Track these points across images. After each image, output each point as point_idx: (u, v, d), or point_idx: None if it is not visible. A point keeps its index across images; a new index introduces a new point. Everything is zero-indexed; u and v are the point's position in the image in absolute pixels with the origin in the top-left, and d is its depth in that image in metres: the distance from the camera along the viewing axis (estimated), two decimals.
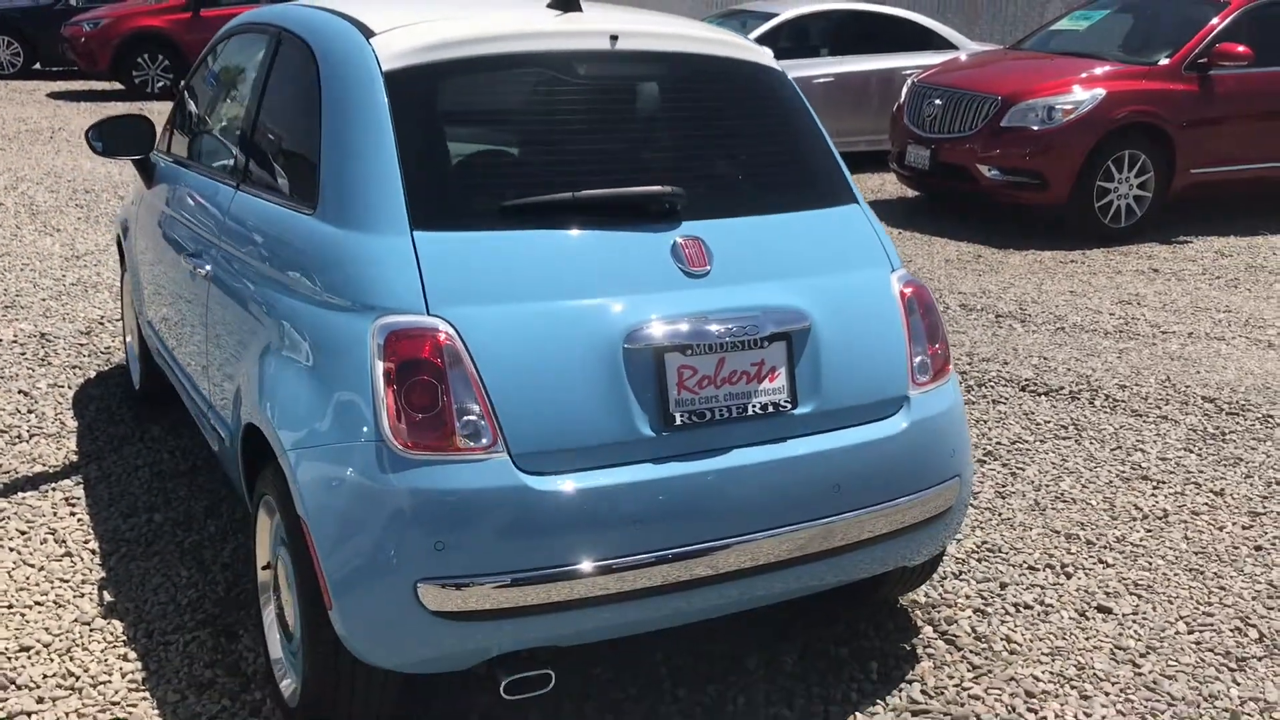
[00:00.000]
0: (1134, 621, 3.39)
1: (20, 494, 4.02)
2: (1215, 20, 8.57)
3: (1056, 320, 6.43)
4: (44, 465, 4.26)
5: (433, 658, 2.48)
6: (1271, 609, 3.48)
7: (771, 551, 2.64)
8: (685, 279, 2.67)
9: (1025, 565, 3.70)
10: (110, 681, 3.00)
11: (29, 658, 3.09)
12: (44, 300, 6.22)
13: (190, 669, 3.05)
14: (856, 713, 2.93)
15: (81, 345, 5.52)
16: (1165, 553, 3.81)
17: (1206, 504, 4.18)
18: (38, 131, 12.21)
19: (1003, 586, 3.56)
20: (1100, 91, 8.26)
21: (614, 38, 2.94)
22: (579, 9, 3.04)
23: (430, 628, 2.41)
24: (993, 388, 5.31)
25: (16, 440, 4.46)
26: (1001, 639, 3.28)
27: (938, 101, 8.81)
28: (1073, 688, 3.07)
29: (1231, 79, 8.50)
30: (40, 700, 2.92)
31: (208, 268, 3.31)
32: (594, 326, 2.53)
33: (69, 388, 4.99)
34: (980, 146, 8.44)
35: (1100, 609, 3.45)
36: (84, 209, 8.57)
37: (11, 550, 3.63)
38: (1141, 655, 3.22)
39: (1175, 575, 3.67)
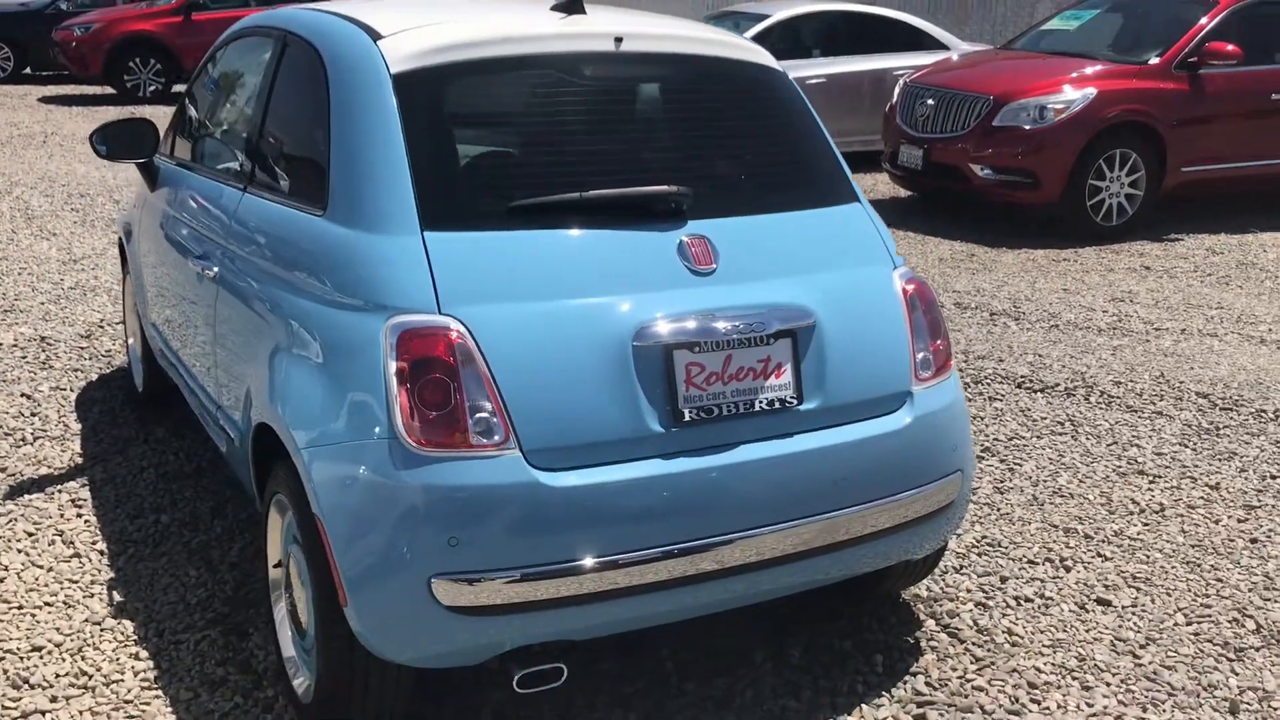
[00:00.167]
0: (1133, 614, 3.44)
1: (26, 496, 4.04)
2: (1204, 20, 8.64)
3: (1050, 318, 6.48)
4: (49, 467, 4.28)
5: (447, 652, 2.52)
6: (1268, 600, 3.53)
7: (778, 546, 2.67)
8: (692, 277, 2.70)
9: (1025, 559, 3.74)
10: (122, 680, 3.02)
11: (41, 657, 3.11)
12: (43, 304, 6.24)
13: (202, 667, 3.08)
14: (863, 705, 2.97)
15: (82, 349, 5.54)
16: (1163, 546, 3.86)
17: (1202, 498, 4.23)
18: (30, 136, 12.21)
19: (1003, 580, 3.61)
20: (1091, 91, 8.32)
21: (618, 39, 2.98)
22: (583, 11, 3.07)
23: (444, 623, 2.44)
24: (989, 385, 5.36)
25: (21, 443, 4.48)
26: (1003, 631, 3.32)
27: (930, 102, 8.86)
28: (1074, 678, 3.11)
29: (1221, 78, 8.57)
30: (54, 699, 2.94)
31: (215, 269, 3.34)
32: (603, 324, 2.57)
33: (71, 391, 5.01)
34: (973, 146, 8.49)
35: (1100, 601, 3.50)
36: (80, 213, 8.57)
37: (20, 552, 3.66)
38: (1141, 646, 3.27)
39: (1173, 568, 3.71)
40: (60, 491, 4.08)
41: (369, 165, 2.69)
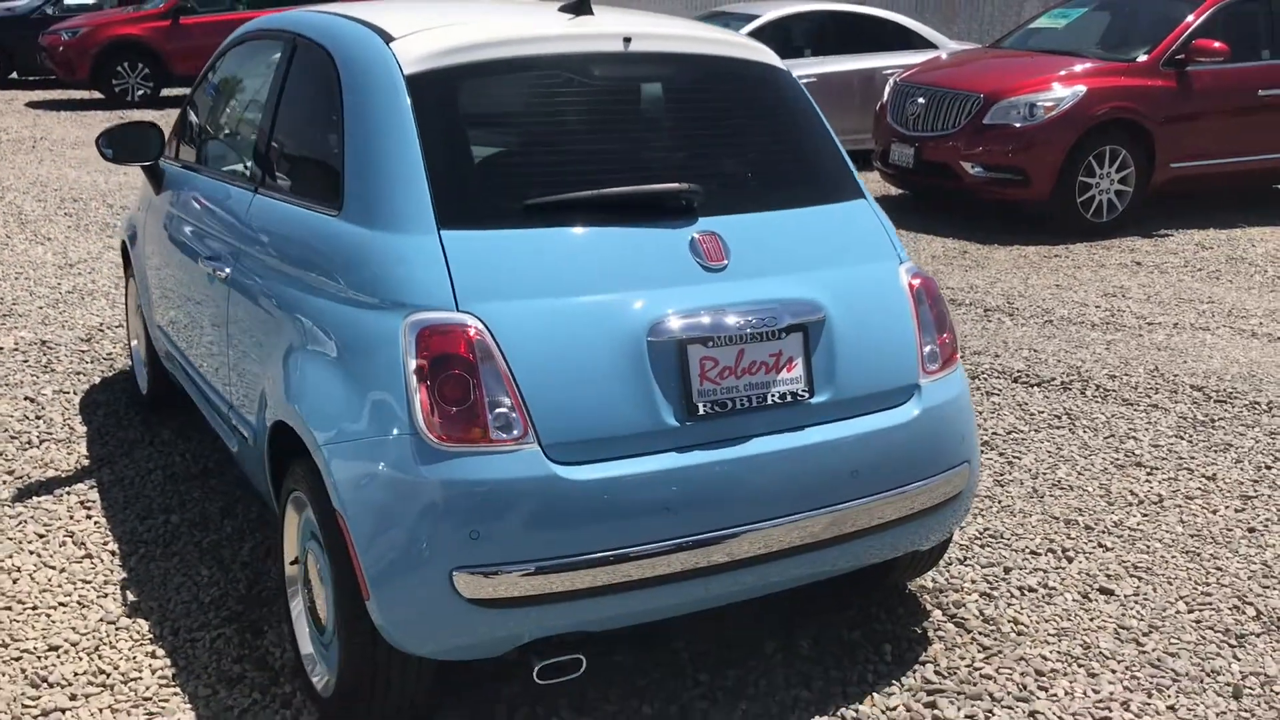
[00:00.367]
0: (1135, 602, 3.49)
1: (35, 498, 4.06)
2: (1191, 17, 8.72)
3: (1044, 313, 6.54)
4: (56, 470, 4.30)
5: (468, 645, 2.55)
6: (1267, 587, 3.58)
7: (790, 537, 2.72)
8: (704, 273, 2.74)
9: (1027, 550, 3.80)
10: (140, 678, 3.05)
11: (58, 656, 3.14)
12: (41, 308, 6.24)
13: (219, 664, 3.10)
14: (874, 693, 3.01)
15: (83, 352, 5.55)
16: (1162, 536, 3.91)
17: (1200, 488, 4.29)
18: (19, 141, 12.19)
19: (1006, 571, 3.66)
20: (1080, 88, 8.40)
21: (627, 40, 3.02)
22: (590, 12, 3.11)
23: (466, 615, 2.48)
24: (985, 380, 5.41)
25: (27, 446, 4.49)
26: (1009, 621, 3.37)
27: (921, 100, 8.92)
28: (1080, 666, 3.16)
29: (1208, 74, 8.66)
30: (73, 697, 2.97)
31: (227, 270, 3.36)
32: (618, 320, 2.61)
33: (74, 394, 5.03)
34: (963, 144, 8.56)
35: (1102, 591, 3.55)
36: (73, 217, 8.58)
37: (32, 554, 3.68)
38: (1144, 634, 3.32)
39: (1173, 557, 3.77)
40: (69, 493, 4.10)
41: (385, 166, 2.72)
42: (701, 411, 2.64)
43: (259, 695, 2.97)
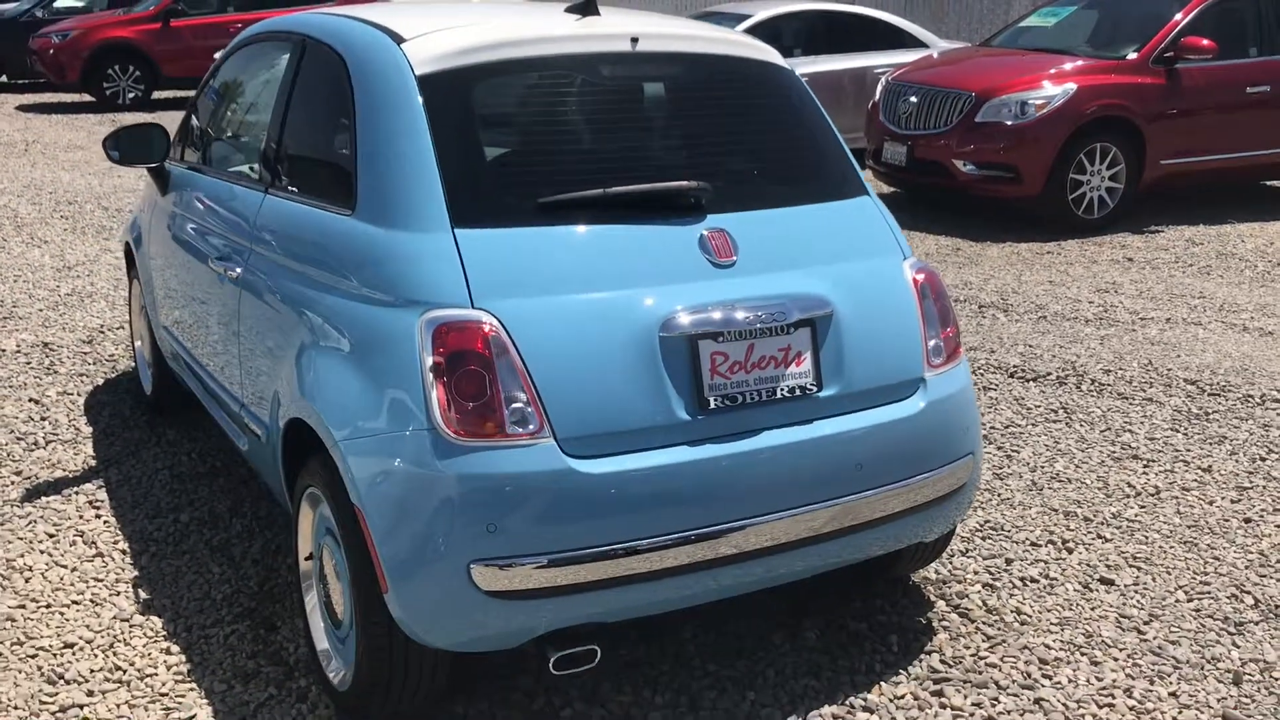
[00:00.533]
0: (1135, 592, 3.55)
1: (44, 498, 4.08)
2: (1179, 15, 8.80)
3: (1038, 309, 6.60)
4: (64, 470, 4.32)
5: (485, 636, 2.59)
6: (1265, 576, 3.64)
7: (799, 529, 2.76)
8: (714, 269, 2.79)
9: (1028, 541, 3.85)
10: (156, 674, 3.08)
11: (74, 654, 3.17)
12: (42, 311, 6.26)
13: (233, 660, 3.14)
14: (881, 682, 3.06)
15: (85, 354, 5.58)
16: (1160, 527, 3.97)
17: (1196, 480, 4.35)
18: (11, 145, 12.18)
19: (1008, 562, 3.71)
20: (1071, 86, 8.46)
21: (634, 40, 3.06)
22: (597, 13, 3.15)
23: (483, 607, 2.52)
24: (982, 375, 5.47)
25: (34, 447, 4.52)
26: (1012, 611, 3.42)
27: (913, 99, 8.99)
28: (1083, 654, 3.21)
29: (1197, 72, 8.73)
30: (90, 693, 3.00)
31: (238, 270, 3.39)
32: (631, 316, 2.65)
33: (79, 395, 5.05)
34: (955, 142, 8.62)
35: (1103, 581, 3.60)
36: (69, 220, 8.58)
37: (43, 553, 3.71)
38: (1145, 623, 3.37)
39: (1171, 548, 3.83)
40: (77, 493, 4.13)
41: (398, 166, 2.76)
42: (713, 405, 2.69)
43: (275, 690, 3.01)
